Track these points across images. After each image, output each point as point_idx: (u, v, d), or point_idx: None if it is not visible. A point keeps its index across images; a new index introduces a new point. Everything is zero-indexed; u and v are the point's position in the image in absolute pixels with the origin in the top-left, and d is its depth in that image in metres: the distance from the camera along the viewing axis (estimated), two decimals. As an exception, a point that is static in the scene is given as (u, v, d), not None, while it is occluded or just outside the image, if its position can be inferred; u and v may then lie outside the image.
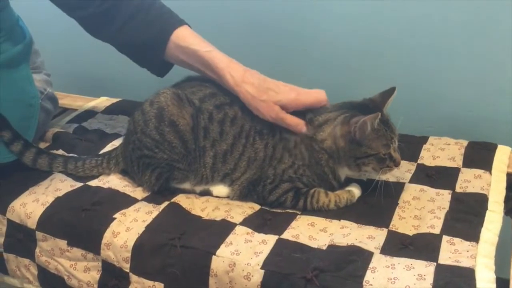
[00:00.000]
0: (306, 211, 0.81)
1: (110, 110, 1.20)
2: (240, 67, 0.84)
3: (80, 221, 0.81)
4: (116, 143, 1.04)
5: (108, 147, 1.03)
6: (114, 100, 1.26)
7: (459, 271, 0.66)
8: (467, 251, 0.69)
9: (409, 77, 1.10)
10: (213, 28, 1.19)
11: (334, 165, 0.82)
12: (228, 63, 0.84)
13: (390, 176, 0.87)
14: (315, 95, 0.84)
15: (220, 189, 0.86)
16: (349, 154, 0.81)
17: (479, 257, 0.68)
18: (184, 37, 0.87)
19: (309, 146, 0.82)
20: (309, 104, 0.84)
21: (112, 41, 0.94)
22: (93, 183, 0.91)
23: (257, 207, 0.83)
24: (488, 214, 0.77)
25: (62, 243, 0.82)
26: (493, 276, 0.65)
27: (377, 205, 0.82)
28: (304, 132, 0.82)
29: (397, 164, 0.81)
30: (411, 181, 0.87)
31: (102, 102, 1.26)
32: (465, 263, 0.67)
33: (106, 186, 0.89)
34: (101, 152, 0.99)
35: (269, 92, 0.82)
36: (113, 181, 0.91)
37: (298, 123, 0.82)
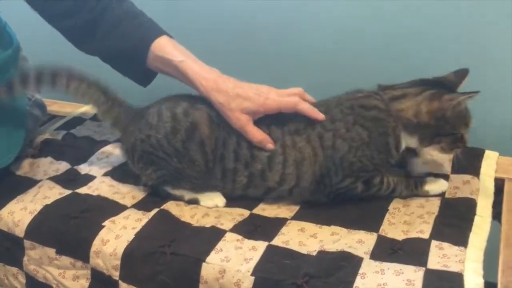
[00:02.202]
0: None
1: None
2: (212, 75, 0.84)
3: (69, 229, 0.81)
4: (105, 149, 1.04)
5: (98, 154, 1.02)
6: (103, 106, 1.25)
7: (448, 275, 0.66)
8: (456, 255, 0.70)
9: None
10: (207, 34, 1.20)
11: (402, 133, 0.81)
12: (199, 72, 0.84)
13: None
14: (286, 99, 0.82)
15: (209, 199, 0.86)
16: (429, 129, 0.80)
17: (468, 261, 0.69)
18: (161, 46, 0.88)
19: (369, 119, 0.80)
20: (278, 108, 0.82)
21: (95, 52, 0.94)
22: (82, 190, 0.90)
23: (247, 213, 0.83)
24: (476, 219, 0.78)
25: (51, 251, 0.81)
26: (481, 281, 0.66)
27: (367, 210, 0.82)
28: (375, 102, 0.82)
29: (466, 145, 0.82)
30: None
31: (90, 109, 1.25)
32: (453, 267, 0.67)
33: (95, 193, 0.89)
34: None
35: (237, 100, 0.81)
36: (103, 188, 0.90)
37: (261, 140, 0.81)
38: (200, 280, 0.71)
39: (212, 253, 0.73)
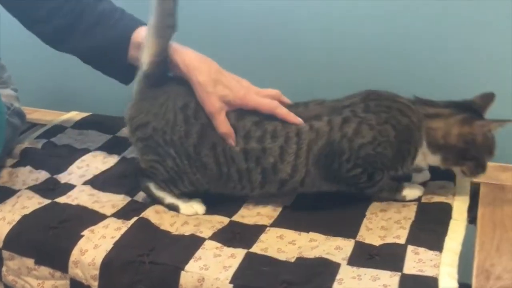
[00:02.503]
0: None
1: (80, 125, 1.19)
2: (196, 54, 0.84)
3: (48, 239, 0.80)
4: (85, 158, 1.04)
5: (78, 163, 1.02)
6: (84, 114, 1.25)
7: (423, 280, 0.67)
8: (431, 260, 0.71)
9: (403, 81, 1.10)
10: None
11: (424, 150, 0.82)
12: (182, 50, 0.84)
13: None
14: (265, 101, 0.82)
15: (189, 207, 0.86)
16: (455, 151, 0.82)
17: (443, 266, 0.70)
18: (142, 34, 0.87)
19: (402, 124, 0.81)
20: (256, 106, 0.82)
21: (74, 52, 0.94)
22: (61, 199, 0.90)
23: (226, 220, 0.83)
24: (451, 223, 0.79)
25: (30, 262, 0.80)
26: (455, 285, 0.67)
27: (345, 216, 0.83)
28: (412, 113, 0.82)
29: (485, 172, 0.84)
30: (377, 200, 0.88)
31: (72, 116, 1.25)
32: (428, 272, 0.69)
33: (74, 202, 0.89)
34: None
35: (218, 86, 0.81)
36: (82, 198, 0.90)
37: (227, 133, 0.81)
38: (179, 289, 0.71)
39: (191, 261, 0.73)
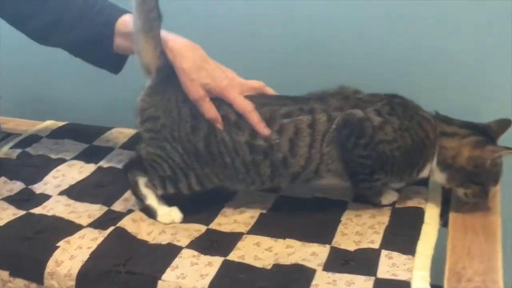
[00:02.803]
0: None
1: (55, 134, 1.18)
2: (181, 40, 0.84)
3: (23, 250, 0.79)
4: (61, 168, 1.03)
5: (53, 173, 1.01)
6: (60, 123, 1.24)
7: (396, 284, 0.69)
8: (404, 264, 0.73)
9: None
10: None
11: (433, 166, 0.84)
12: (168, 35, 0.84)
13: (336, 195, 0.90)
14: (242, 102, 0.82)
15: (166, 215, 0.86)
16: (462, 173, 0.82)
17: (415, 269, 0.71)
18: (126, 23, 0.88)
19: (419, 136, 0.82)
20: (232, 103, 0.82)
21: (62, 45, 0.95)
22: (37, 210, 0.89)
23: (203, 228, 0.84)
24: (424, 227, 0.81)
25: (4, 274, 0.79)
26: (427, 287, 0.69)
27: (321, 222, 0.84)
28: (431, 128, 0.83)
29: (486, 199, 0.85)
30: (354, 200, 0.90)
31: (48, 126, 1.23)
32: (402, 276, 0.70)
33: (50, 213, 0.88)
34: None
35: (201, 72, 0.81)
36: (58, 208, 0.89)
37: (214, 118, 0.81)
38: (156, 298, 0.71)
39: (168, 270, 0.73)
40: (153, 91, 0.85)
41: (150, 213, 0.86)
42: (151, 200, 0.86)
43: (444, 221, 0.87)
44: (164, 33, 0.84)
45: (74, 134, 1.17)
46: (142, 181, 0.86)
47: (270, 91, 0.88)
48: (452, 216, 0.87)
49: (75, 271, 0.75)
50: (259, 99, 0.85)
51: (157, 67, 0.84)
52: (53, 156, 1.08)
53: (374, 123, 0.81)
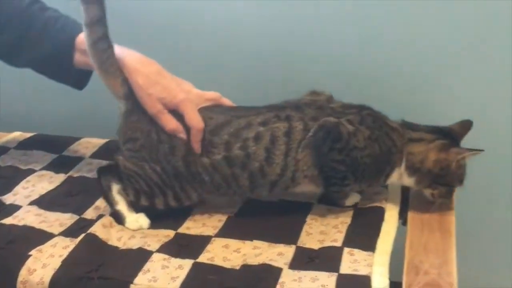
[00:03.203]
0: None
1: (23, 146, 1.18)
2: (136, 55, 0.86)
3: (-5, 260, 0.80)
4: (30, 178, 1.04)
5: (23, 183, 1.02)
6: (28, 134, 1.24)
7: (357, 278, 0.73)
8: (365, 260, 0.77)
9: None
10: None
11: (401, 171, 0.88)
12: (124, 52, 0.85)
13: (302, 198, 0.94)
14: (194, 117, 0.84)
15: (134, 222, 0.88)
16: (430, 176, 0.87)
17: (375, 265, 0.76)
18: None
19: (386, 145, 0.86)
20: (185, 115, 0.84)
21: (25, 65, 0.97)
22: (7, 221, 0.90)
23: (172, 233, 0.86)
24: (384, 226, 0.86)
25: (-24, 285, 0.80)
26: (387, 282, 0.73)
27: (287, 223, 0.88)
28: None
29: (451, 198, 0.89)
30: (319, 202, 0.94)
31: (16, 137, 1.23)
32: (362, 271, 0.74)
33: (21, 223, 0.89)
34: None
35: (157, 87, 0.83)
36: (29, 218, 0.90)
37: (174, 129, 0.84)
38: (129, 302, 0.73)
39: (140, 274, 0.75)
40: (128, 115, 0.87)
41: (119, 218, 0.88)
42: (121, 206, 0.88)
43: (403, 220, 0.92)
44: (118, 50, 0.85)
45: (43, 145, 1.17)
46: (115, 188, 0.88)
47: (227, 101, 0.91)
48: (410, 214, 0.92)
49: (47, 279, 0.76)
50: (234, 112, 0.88)
51: (123, 94, 0.85)
52: (22, 167, 1.09)
53: (349, 130, 0.85)
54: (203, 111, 0.87)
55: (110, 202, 0.89)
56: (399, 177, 0.90)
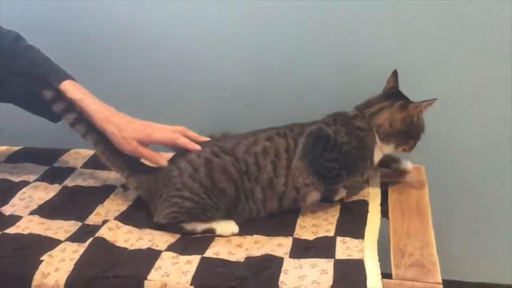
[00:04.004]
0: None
1: (13, 159, 1.21)
2: (106, 109, 0.99)
3: (6, 268, 0.83)
4: (26, 190, 1.06)
5: (19, 195, 1.05)
6: (15, 148, 1.26)
7: (352, 262, 0.81)
8: (356, 246, 0.85)
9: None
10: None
11: (380, 145, 0.97)
12: (96, 108, 0.99)
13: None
14: (168, 134, 0.98)
15: (225, 227, 0.92)
16: (402, 135, 0.96)
17: (366, 250, 0.84)
18: (66, 88, 1.00)
19: (357, 138, 0.96)
20: (160, 140, 0.98)
21: (6, 100, 1.05)
22: (11, 230, 0.93)
23: (178, 235, 0.92)
24: (369, 216, 0.95)
25: (-10, 293, 0.82)
26: (377, 264, 0.81)
27: (281, 219, 0.95)
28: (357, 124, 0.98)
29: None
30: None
31: (3, 151, 1.25)
32: (355, 256, 0.82)
33: (26, 232, 0.92)
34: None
35: (128, 129, 0.98)
36: (33, 227, 0.94)
37: (153, 156, 0.97)
38: (144, 297, 0.78)
39: (152, 271, 0.80)
40: (142, 186, 1.00)
41: (209, 232, 0.92)
42: (201, 226, 0.92)
43: (383, 212, 1.01)
44: (91, 106, 0.99)
45: (33, 157, 1.20)
46: (184, 224, 0.93)
47: (192, 134, 1.01)
48: (391, 205, 1.00)
49: (62, 281, 0.80)
50: (239, 137, 0.98)
51: (126, 175, 1.01)
52: (15, 179, 1.11)
53: (331, 130, 0.96)
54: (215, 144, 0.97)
55: (190, 232, 0.92)
56: (381, 151, 1.00)
